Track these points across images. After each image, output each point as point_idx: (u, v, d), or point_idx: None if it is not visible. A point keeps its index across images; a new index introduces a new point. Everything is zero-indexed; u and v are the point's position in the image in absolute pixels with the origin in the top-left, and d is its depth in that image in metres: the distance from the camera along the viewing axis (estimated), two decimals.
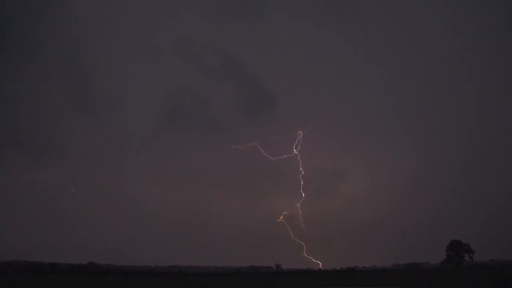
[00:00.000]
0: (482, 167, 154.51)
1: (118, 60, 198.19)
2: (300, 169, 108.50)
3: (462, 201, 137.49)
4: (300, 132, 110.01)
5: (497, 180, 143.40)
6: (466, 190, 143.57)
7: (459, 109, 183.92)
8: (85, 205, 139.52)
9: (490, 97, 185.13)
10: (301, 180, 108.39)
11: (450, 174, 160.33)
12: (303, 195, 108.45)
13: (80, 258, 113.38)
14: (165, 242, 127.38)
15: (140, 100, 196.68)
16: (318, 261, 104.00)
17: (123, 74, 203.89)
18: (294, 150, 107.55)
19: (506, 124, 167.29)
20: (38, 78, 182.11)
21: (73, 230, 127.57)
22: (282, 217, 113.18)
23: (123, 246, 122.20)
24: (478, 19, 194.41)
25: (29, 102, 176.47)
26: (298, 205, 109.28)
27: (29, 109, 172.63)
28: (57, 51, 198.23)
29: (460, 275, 57.17)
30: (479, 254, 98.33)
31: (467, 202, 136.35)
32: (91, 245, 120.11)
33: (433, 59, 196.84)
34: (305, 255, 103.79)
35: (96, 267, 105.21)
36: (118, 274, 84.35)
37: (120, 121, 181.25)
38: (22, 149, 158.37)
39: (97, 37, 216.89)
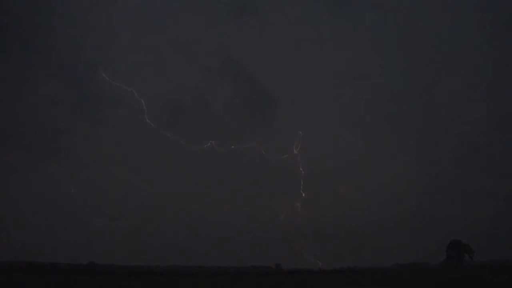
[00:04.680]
0: (482, 166, 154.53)
1: (118, 60, 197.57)
2: (300, 169, 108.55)
3: (462, 201, 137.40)
4: (300, 132, 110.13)
5: (497, 179, 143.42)
6: (467, 190, 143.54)
7: (460, 109, 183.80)
8: (85, 205, 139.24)
9: (491, 96, 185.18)
10: (301, 180, 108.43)
11: (450, 174, 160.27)
12: (303, 195, 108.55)
13: (80, 258, 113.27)
14: (165, 242, 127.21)
15: (140, 100, 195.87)
16: (318, 261, 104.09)
17: (123, 74, 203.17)
18: (294, 150, 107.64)
19: (507, 124, 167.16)
20: (38, 78, 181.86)
21: (73, 230, 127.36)
22: (282, 217, 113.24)
23: (123, 246, 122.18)
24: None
25: (29, 102, 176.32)
26: (298, 205, 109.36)
27: (29, 109, 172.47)
28: (57, 51, 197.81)
29: (460, 275, 57.16)
30: (479, 254, 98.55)
31: (467, 202, 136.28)
32: (91, 245, 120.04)
33: (435, 59, 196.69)
34: (305, 255, 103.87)
35: (96, 267, 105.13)
36: (118, 274, 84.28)
37: (120, 121, 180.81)
38: (22, 149, 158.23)
39: (97, 37, 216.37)
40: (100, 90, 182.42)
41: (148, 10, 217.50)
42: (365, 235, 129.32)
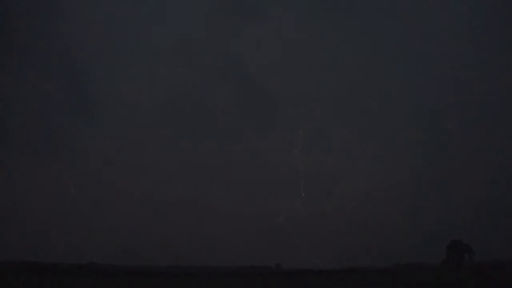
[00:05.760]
0: (482, 166, 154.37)
1: (118, 60, 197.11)
2: (300, 169, 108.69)
3: (462, 201, 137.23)
4: (300, 132, 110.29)
5: (498, 179, 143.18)
6: (467, 189, 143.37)
7: (461, 109, 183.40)
8: (85, 205, 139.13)
9: (491, 96, 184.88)
10: (301, 180, 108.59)
11: (450, 174, 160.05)
12: (303, 195, 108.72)
13: (80, 258, 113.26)
14: (165, 242, 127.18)
15: (140, 100, 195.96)
16: (318, 261, 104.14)
17: (123, 74, 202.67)
18: (294, 150, 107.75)
19: (506, 124, 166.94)
20: (38, 78, 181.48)
21: (73, 230, 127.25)
22: (282, 217, 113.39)
23: (123, 246, 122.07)
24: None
25: (29, 102, 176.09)
26: (298, 205, 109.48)
27: (29, 110, 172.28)
28: (56, 51, 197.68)
29: (460, 275, 57.20)
30: (479, 254, 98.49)
31: (467, 202, 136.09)
32: (91, 245, 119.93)
33: (437, 59, 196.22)
34: (305, 255, 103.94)
35: (96, 267, 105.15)
36: (118, 274, 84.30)
37: (120, 121, 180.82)
38: (22, 149, 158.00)
39: (97, 37, 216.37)
40: (100, 90, 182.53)
41: (147, 10, 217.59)
42: (365, 235, 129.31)
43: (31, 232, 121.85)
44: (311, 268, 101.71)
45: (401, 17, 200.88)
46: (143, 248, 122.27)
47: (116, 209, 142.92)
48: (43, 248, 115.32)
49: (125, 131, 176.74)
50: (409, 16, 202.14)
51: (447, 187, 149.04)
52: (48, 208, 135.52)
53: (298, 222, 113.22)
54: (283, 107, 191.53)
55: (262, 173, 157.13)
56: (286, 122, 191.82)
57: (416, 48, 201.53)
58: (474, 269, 75.91)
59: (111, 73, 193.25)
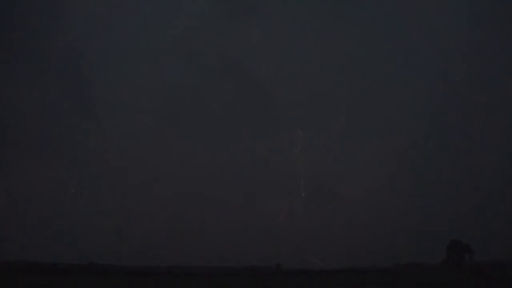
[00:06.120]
0: (482, 166, 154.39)
1: (118, 60, 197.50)
2: (300, 169, 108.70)
3: (462, 201, 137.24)
4: (300, 132, 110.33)
5: (497, 179, 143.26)
6: (466, 189, 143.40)
7: (461, 108, 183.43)
8: (85, 205, 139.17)
9: (491, 96, 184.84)
10: (301, 180, 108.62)
11: (450, 174, 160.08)
12: (303, 195, 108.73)
13: (80, 258, 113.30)
14: (165, 242, 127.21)
15: (139, 100, 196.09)
16: (318, 261, 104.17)
17: (123, 74, 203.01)
18: (294, 150, 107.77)
19: (506, 124, 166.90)
20: (38, 78, 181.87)
21: (73, 230, 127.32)
22: (282, 217, 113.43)
23: (123, 246, 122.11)
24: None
25: (30, 102, 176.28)
26: (298, 205, 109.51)
27: (30, 110, 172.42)
28: (57, 51, 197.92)
29: (460, 275, 57.22)
30: (479, 254, 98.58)
31: (467, 202, 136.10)
32: (91, 245, 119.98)
33: (437, 58, 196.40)
34: (305, 255, 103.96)
35: (96, 267, 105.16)
36: (118, 274, 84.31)
37: (120, 121, 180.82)
38: (22, 149, 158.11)
39: (97, 37, 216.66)
40: (100, 90, 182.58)
41: (147, 10, 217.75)
42: (365, 235, 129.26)
43: (31, 232, 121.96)
44: (311, 268, 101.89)
45: (401, 17, 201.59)
46: (143, 248, 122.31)
47: (116, 209, 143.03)
48: (43, 248, 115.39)
49: (125, 131, 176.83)
50: (409, 17, 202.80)
51: (447, 187, 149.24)
52: (48, 208, 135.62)
53: (298, 222, 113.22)
54: (283, 107, 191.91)
55: (262, 173, 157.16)
56: (286, 122, 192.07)
57: (416, 48, 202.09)
58: (474, 269, 76.03)
59: (111, 73, 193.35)
